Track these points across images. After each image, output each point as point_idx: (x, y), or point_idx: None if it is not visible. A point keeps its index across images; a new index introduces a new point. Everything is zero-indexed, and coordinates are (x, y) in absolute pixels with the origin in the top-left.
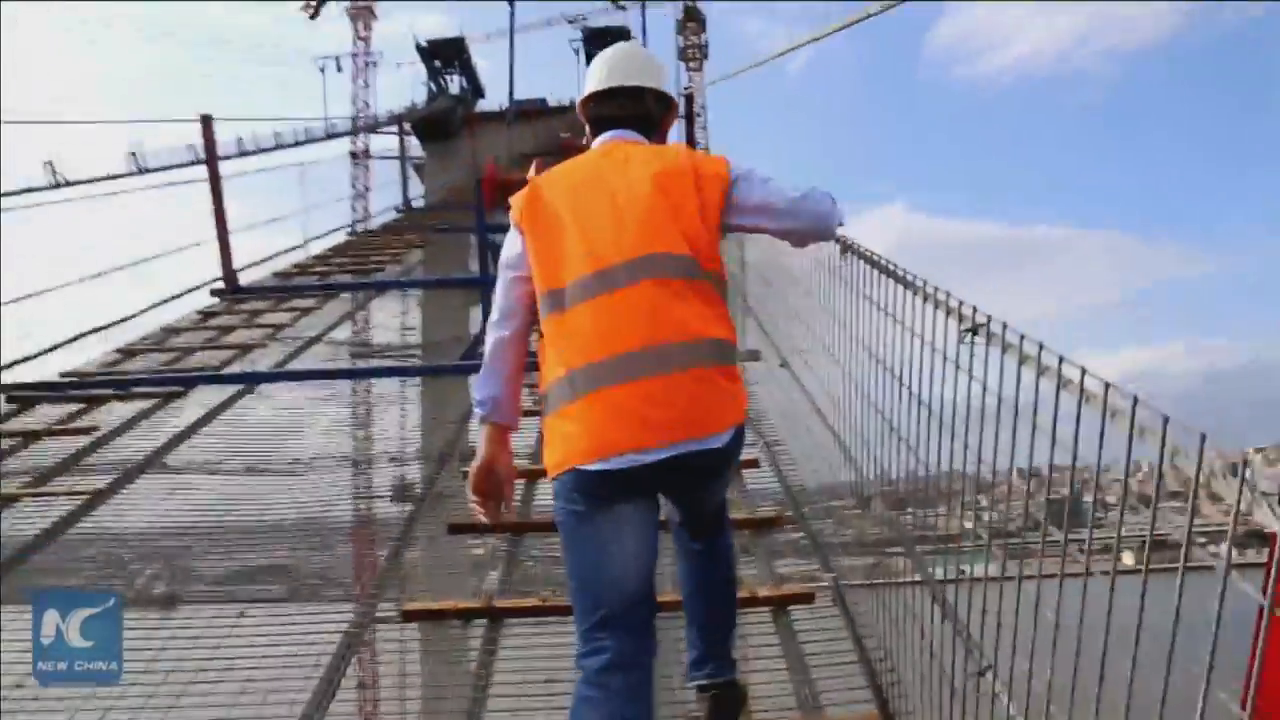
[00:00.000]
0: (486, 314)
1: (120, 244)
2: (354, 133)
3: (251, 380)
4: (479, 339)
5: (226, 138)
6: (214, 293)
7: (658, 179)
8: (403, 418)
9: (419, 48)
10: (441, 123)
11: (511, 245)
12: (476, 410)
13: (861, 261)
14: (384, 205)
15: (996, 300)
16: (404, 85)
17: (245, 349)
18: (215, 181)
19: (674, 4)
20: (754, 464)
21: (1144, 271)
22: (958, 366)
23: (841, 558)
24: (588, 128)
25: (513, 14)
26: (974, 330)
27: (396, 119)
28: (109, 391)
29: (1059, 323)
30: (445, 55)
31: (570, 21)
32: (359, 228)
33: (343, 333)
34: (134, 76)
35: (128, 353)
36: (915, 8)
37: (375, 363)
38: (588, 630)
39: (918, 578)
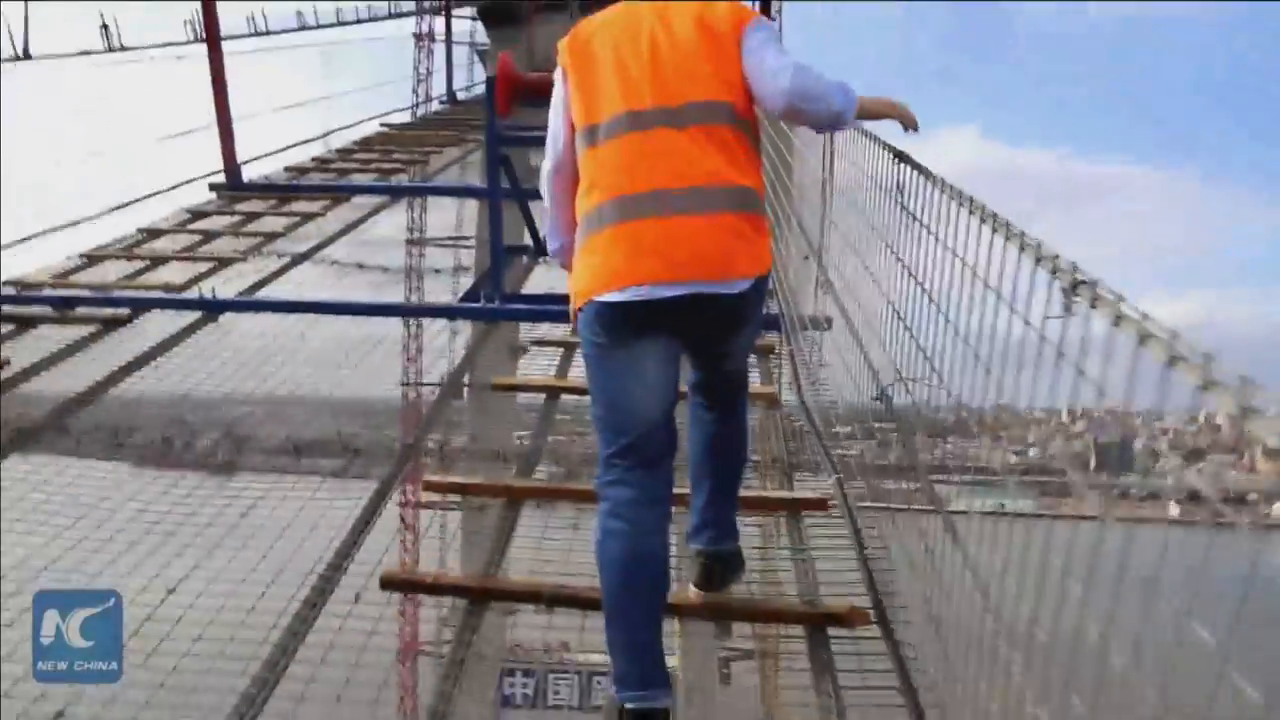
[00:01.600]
0: (498, 232)
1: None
2: (415, 14)
3: (209, 307)
4: (484, 278)
5: (285, 11)
6: (212, 187)
7: (697, 26)
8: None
9: None
10: (506, 9)
11: (557, 93)
12: (554, 258)
13: (926, 184)
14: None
15: (1061, 235)
16: None
17: (224, 262)
18: (216, 59)
19: None
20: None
21: (1229, 218)
22: (1012, 309)
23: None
24: None
25: None
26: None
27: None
28: (44, 311)
29: (1124, 262)
30: None
31: None
32: (419, 112)
33: (342, 248)
34: None
35: (93, 258)
36: None
37: (359, 294)
38: (610, 456)
39: (930, 506)
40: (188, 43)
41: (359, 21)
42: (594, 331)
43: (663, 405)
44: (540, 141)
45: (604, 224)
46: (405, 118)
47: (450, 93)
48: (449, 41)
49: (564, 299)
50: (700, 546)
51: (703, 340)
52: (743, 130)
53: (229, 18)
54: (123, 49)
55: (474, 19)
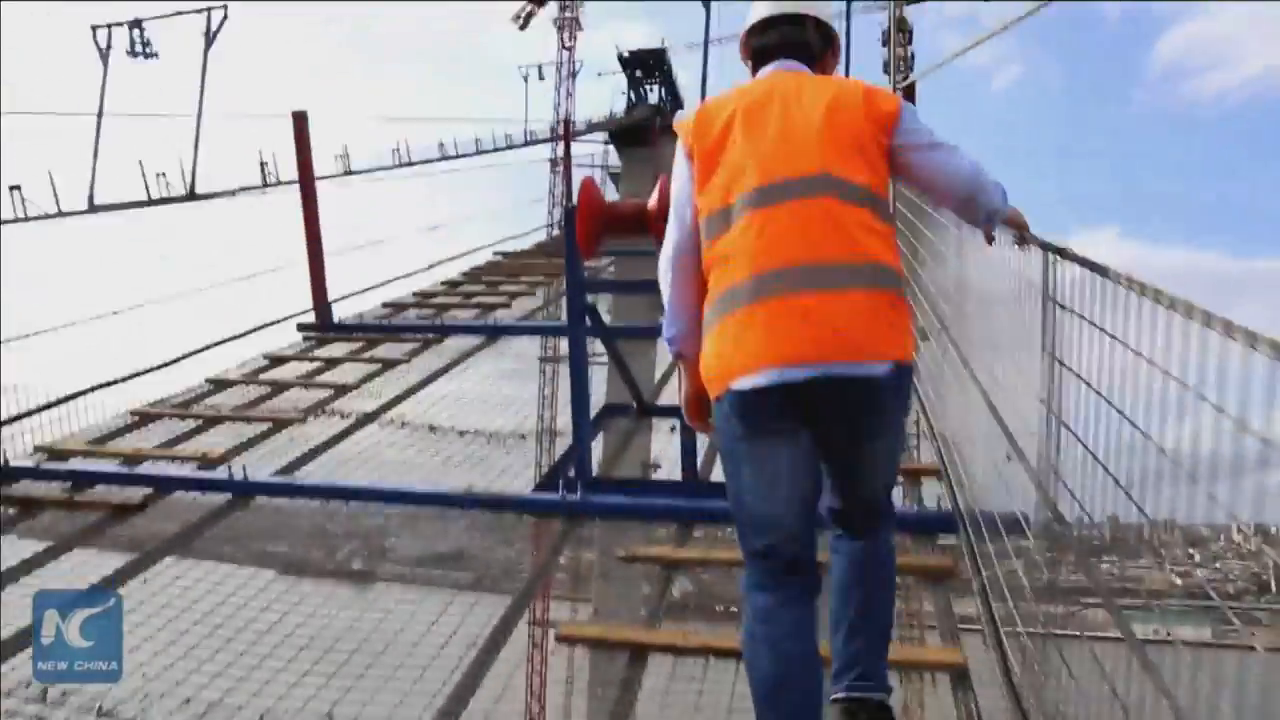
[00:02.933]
0: (583, 402)
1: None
2: (551, 140)
3: (236, 489)
4: (567, 456)
5: (428, 142)
6: (301, 327)
7: (830, 103)
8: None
9: (620, 58)
10: (637, 131)
11: (680, 172)
12: (668, 346)
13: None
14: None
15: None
16: (605, 94)
17: (280, 424)
18: (308, 194)
19: (880, 13)
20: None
21: None
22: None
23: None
24: (749, 64)
25: (708, 26)
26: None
27: (563, 126)
28: (49, 491)
29: None
30: (646, 65)
31: None
32: (554, 233)
33: (418, 404)
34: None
35: (144, 416)
36: (1135, 26)
37: (420, 465)
38: (751, 555)
39: (1114, 634)
40: (340, 175)
41: (496, 150)
42: (730, 424)
43: (802, 508)
44: (631, 288)
45: (736, 304)
46: (523, 243)
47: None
48: (568, 165)
49: (668, 486)
50: (842, 694)
51: (840, 435)
52: (878, 209)
53: (376, 145)
54: (279, 183)
55: (606, 143)
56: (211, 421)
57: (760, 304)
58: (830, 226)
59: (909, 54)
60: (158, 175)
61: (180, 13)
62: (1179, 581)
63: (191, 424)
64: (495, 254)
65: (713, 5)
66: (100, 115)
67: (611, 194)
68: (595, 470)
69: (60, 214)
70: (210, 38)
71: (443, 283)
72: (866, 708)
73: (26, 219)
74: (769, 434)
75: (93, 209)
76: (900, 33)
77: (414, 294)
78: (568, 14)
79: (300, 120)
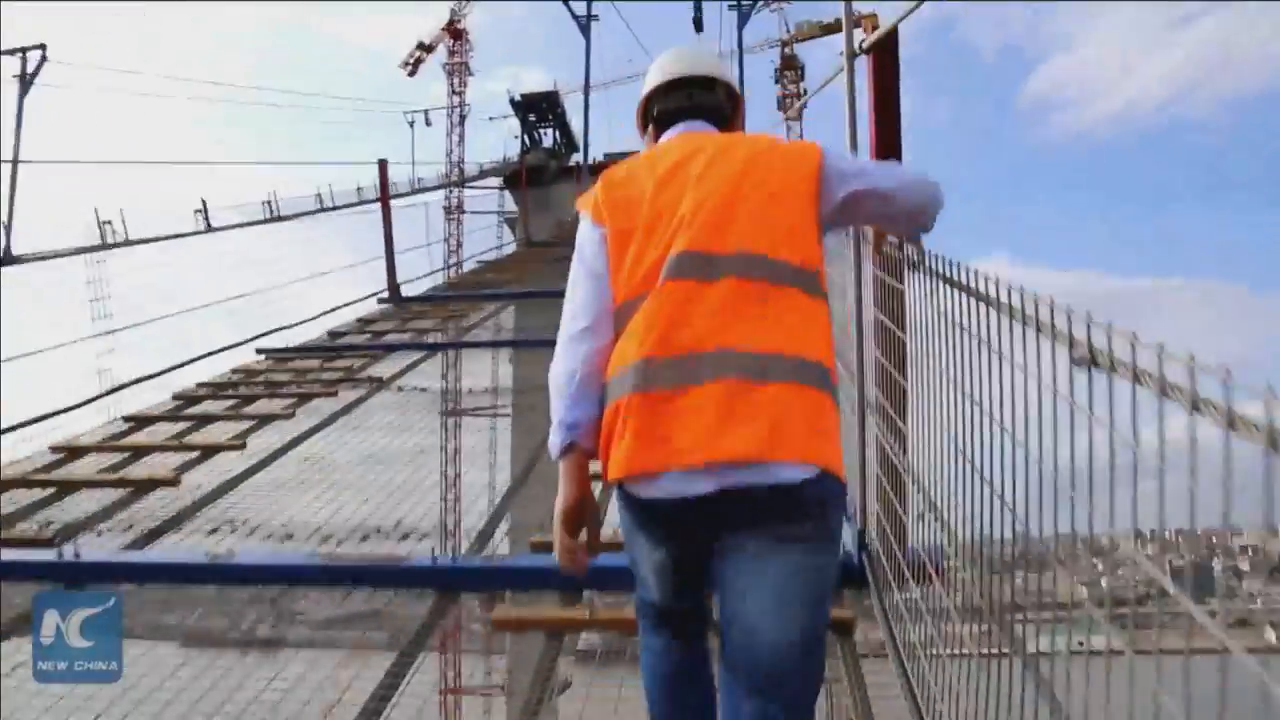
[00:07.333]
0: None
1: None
2: (444, 187)
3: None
4: None
5: (305, 191)
6: None
7: (746, 168)
8: None
9: (513, 102)
10: (531, 175)
11: (589, 243)
12: (561, 434)
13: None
14: (475, 252)
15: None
16: (498, 139)
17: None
18: None
19: (772, 50)
20: None
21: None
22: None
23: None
24: (650, 128)
25: (588, 72)
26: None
27: (380, 170)
28: None
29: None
30: (539, 109)
31: None
32: (452, 275)
33: None
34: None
35: None
36: (1010, 61)
37: None
38: (640, 604)
39: (1004, 649)
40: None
41: (378, 200)
42: (620, 504)
43: (683, 593)
44: None
45: (630, 389)
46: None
47: (393, 286)
48: (388, 230)
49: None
50: None
51: (743, 545)
52: (808, 287)
53: (249, 195)
54: (127, 242)
55: (501, 188)
56: None
57: (654, 394)
58: (747, 310)
59: (801, 90)
60: None
61: None
62: (1085, 592)
63: None
64: (259, 350)
65: (593, 42)
66: None
67: (508, 237)
68: None
69: None
70: (27, 82)
71: (234, 371)
72: None
73: None
74: (657, 539)
75: None
76: (790, 70)
77: (124, 418)
78: (457, 59)
79: None
